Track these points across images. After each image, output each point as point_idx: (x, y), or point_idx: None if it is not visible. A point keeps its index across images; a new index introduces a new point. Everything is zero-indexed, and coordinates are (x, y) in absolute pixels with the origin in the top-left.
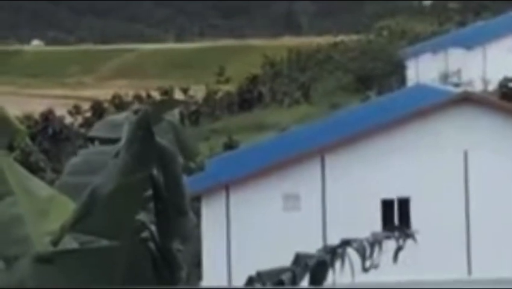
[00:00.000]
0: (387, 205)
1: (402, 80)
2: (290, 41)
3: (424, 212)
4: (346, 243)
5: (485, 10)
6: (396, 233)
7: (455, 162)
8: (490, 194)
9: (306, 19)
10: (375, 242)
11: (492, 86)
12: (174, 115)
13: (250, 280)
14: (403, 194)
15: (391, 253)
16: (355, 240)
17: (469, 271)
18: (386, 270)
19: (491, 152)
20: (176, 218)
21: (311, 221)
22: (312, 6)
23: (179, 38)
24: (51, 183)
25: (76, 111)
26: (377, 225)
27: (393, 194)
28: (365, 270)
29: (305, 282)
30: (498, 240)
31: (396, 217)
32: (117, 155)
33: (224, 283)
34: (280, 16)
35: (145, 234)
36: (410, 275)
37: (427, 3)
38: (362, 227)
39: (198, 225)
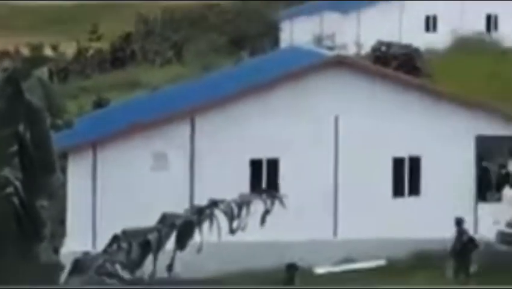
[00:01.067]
0: (255, 165)
1: (276, 43)
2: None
3: (293, 174)
4: (213, 204)
5: None
6: (264, 196)
7: (326, 125)
8: (358, 158)
9: None
10: (243, 203)
11: (365, 50)
12: (43, 72)
13: (115, 239)
14: (273, 155)
15: (259, 215)
16: (222, 201)
17: (335, 233)
18: (253, 231)
19: (363, 116)
20: (43, 175)
21: (178, 181)
22: None
23: None
24: None
25: None
26: (246, 185)
27: (262, 155)
28: (232, 231)
29: (171, 242)
30: (363, 204)
31: (265, 177)
32: None
33: (89, 242)
34: None
35: (9, 189)
36: (278, 236)
37: None
38: (231, 188)
39: (64, 183)
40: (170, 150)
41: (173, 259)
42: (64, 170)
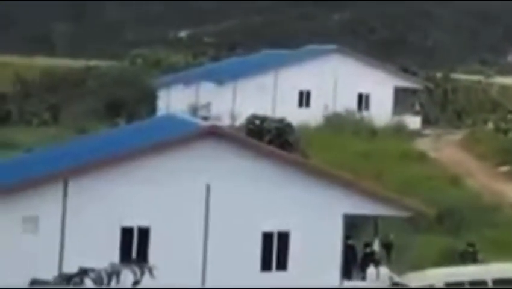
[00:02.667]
0: (126, 233)
1: (153, 110)
2: (44, 61)
3: (163, 242)
4: (83, 272)
5: (239, 46)
6: (134, 266)
7: (198, 194)
8: (228, 228)
9: (62, 41)
10: (113, 273)
11: (240, 121)
12: None
13: None
14: (144, 223)
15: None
16: (92, 269)
17: None
18: None
19: (234, 187)
20: None
21: (48, 245)
22: (69, 29)
23: None
24: None
25: None
26: (116, 253)
27: (134, 223)
28: None
29: None
30: (231, 276)
31: (135, 245)
32: None
33: None
34: (35, 35)
35: None
36: None
37: (183, 34)
38: (102, 254)
39: None
40: (41, 213)
41: None
42: None
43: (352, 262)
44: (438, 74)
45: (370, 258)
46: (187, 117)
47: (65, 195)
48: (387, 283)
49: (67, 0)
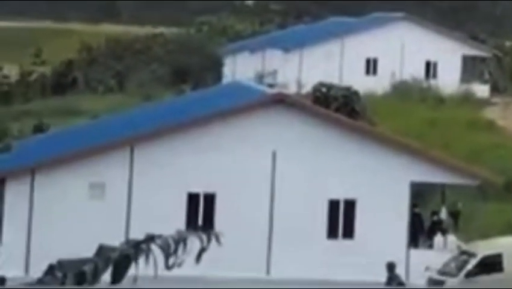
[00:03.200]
0: (192, 199)
1: (218, 77)
2: (109, 28)
3: (229, 209)
4: (150, 239)
5: (306, 14)
6: (200, 233)
7: (264, 161)
8: (294, 195)
9: (128, 8)
10: (180, 240)
11: (306, 89)
12: None
13: (51, 268)
14: (210, 189)
15: (195, 252)
16: (159, 236)
17: (268, 272)
18: (190, 267)
19: (300, 154)
20: None
21: (115, 212)
22: None
23: None
24: None
25: None
26: (182, 219)
27: (200, 189)
28: (168, 267)
29: (107, 275)
30: (298, 243)
31: (201, 211)
32: None
33: (22, 271)
34: (102, 3)
35: None
36: (213, 273)
37: (249, 2)
38: (168, 220)
39: (1, 207)
40: (108, 180)
41: None
42: (1, 195)
43: (419, 230)
44: (508, 43)
45: (438, 226)
46: (253, 84)
47: (131, 162)
48: (454, 252)
49: None
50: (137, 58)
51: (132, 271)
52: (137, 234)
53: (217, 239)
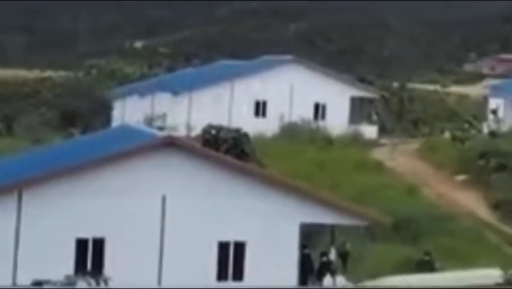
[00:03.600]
0: (81, 244)
1: (108, 121)
2: None
3: (118, 254)
4: (38, 284)
5: (195, 57)
6: (88, 278)
7: (154, 205)
8: (184, 238)
9: (16, 52)
10: (68, 284)
11: (196, 132)
12: None
13: None
14: (99, 234)
15: None
16: (47, 281)
17: None
18: None
19: (189, 197)
20: None
21: (2, 258)
22: (22, 39)
23: None
24: None
25: None
26: (71, 264)
27: (89, 234)
28: None
29: None
30: (189, 285)
31: (90, 256)
32: None
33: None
34: None
35: None
36: None
37: (138, 45)
38: (57, 266)
39: None
40: None
41: None
42: None
43: (308, 271)
44: (395, 84)
45: (327, 267)
46: (143, 127)
47: (19, 207)
48: None
49: (20, 11)
50: (26, 101)
51: None
52: (25, 280)
53: (106, 283)
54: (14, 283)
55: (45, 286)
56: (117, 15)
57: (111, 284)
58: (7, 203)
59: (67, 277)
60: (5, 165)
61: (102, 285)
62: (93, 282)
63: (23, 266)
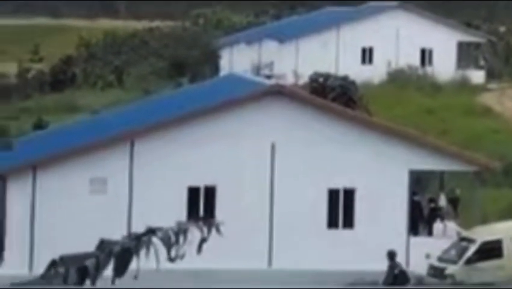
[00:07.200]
0: (193, 192)
1: (216, 70)
2: (106, 23)
3: (229, 201)
4: (151, 231)
5: (300, 5)
6: (201, 224)
7: (263, 152)
8: (294, 185)
9: (124, 3)
10: (180, 231)
11: (303, 80)
12: None
13: (53, 264)
14: (210, 182)
15: (196, 243)
16: (160, 229)
17: (269, 263)
18: (191, 259)
19: (298, 145)
20: None
21: (117, 206)
22: None
23: None
24: None
25: None
26: (183, 213)
27: (200, 182)
28: (170, 259)
29: (109, 269)
30: (298, 233)
31: (202, 204)
32: None
33: (26, 267)
34: None
35: None
36: (214, 264)
37: None
38: (169, 215)
39: (3, 205)
40: (109, 174)
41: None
42: (3, 192)
43: (418, 218)
44: (501, 28)
45: (437, 213)
46: (250, 76)
47: (131, 156)
48: (454, 238)
49: None
50: (135, 52)
51: (134, 264)
52: (139, 228)
53: (218, 230)
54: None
55: (158, 234)
56: None
57: (223, 231)
58: (120, 153)
59: (179, 223)
60: (117, 116)
61: (214, 231)
62: (204, 228)
63: (137, 214)
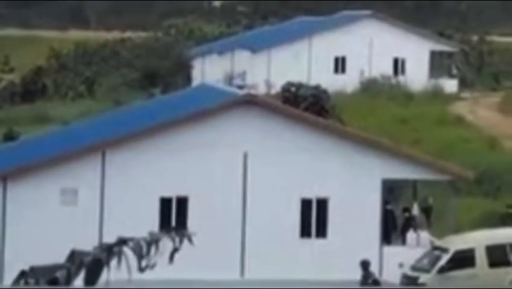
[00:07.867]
0: (165, 203)
1: (188, 80)
2: (77, 34)
3: (202, 211)
4: (122, 242)
5: (272, 15)
6: (173, 234)
7: (235, 163)
8: (266, 196)
9: (95, 14)
10: (152, 241)
11: (275, 90)
12: None
13: (23, 275)
14: (182, 192)
15: (168, 253)
16: (131, 239)
17: (242, 272)
18: (162, 269)
19: (271, 154)
20: None
21: (88, 217)
22: (101, 3)
23: None
24: None
25: None
26: (155, 223)
27: (172, 193)
28: (141, 269)
29: (79, 280)
30: (272, 242)
31: (174, 215)
32: None
33: None
34: (68, 9)
35: None
36: (186, 275)
37: (217, 3)
38: (140, 225)
39: None
40: (80, 185)
41: None
42: None
43: (391, 227)
44: (474, 37)
45: (410, 223)
46: (222, 86)
47: (103, 167)
48: (427, 247)
49: None
50: (106, 63)
51: (105, 275)
52: (111, 239)
53: (190, 240)
54: (100, 242)
55: (129, 244)
56: None
57: (195, 241)
58: (91, 163)
59: (151, 233)
60: (88, 127)
61: (186, 242)
62: (176, 238)
63: (108, 226)
